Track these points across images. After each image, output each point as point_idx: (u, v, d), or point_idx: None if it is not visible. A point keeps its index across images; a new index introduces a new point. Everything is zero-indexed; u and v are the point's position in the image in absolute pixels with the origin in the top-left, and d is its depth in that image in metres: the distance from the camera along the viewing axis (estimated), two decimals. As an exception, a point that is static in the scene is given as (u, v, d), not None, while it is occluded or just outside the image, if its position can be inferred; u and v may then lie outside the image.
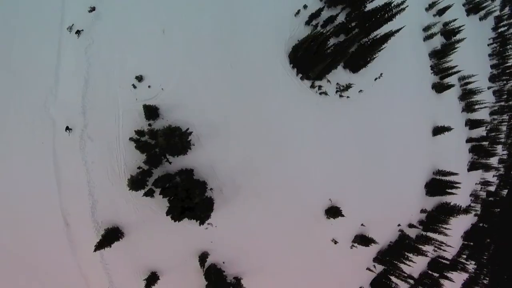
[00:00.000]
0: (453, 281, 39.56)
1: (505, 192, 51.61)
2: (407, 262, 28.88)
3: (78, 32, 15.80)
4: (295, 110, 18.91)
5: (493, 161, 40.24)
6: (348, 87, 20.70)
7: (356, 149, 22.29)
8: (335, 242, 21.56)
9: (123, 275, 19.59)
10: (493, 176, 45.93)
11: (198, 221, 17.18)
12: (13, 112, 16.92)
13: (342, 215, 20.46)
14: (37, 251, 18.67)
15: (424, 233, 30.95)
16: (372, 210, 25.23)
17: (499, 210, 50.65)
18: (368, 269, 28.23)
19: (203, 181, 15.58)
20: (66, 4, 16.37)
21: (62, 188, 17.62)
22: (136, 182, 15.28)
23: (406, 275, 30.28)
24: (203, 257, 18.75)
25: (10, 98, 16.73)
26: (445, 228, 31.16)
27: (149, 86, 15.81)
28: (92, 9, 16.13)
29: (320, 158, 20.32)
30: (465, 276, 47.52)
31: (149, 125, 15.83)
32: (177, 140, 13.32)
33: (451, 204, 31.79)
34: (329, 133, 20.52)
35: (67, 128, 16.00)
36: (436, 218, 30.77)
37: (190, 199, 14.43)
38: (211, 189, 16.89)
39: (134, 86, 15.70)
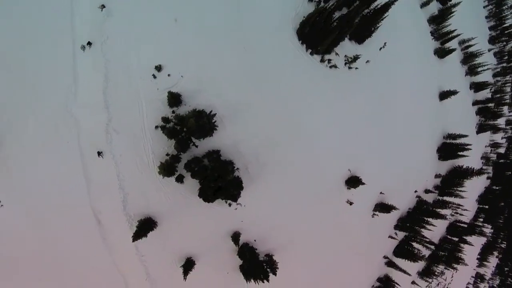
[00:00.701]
0: (472, 245, 42.69)
1: (514, 154, 54.63)
2: (427, 227, 31.21)
3: (89, 43, 16.90)
4: (308, 84, 20.54)
5: (501, 121, 42.74)
6: (355, 58, 22.30)
7: (368, 118, 24.01)
8: (350, 203, 23.21)
9: (160, 265, 21.28)
10: (502, 138, 48.67)
11: (229, 202, 18.96)
12: (35, 116, 18.10)
13: (363, 183, 22.38)
14: (72, 253, 20.12)
15: (440, 197, 33.34)
16: (389, 179, 27.13)
17: (510, 173, 53.73)
18: (390, 237, 30.47)
19: (230, 161, 17.12)
20: (75, 4, 17.64)
21: (91, 187, 18.99)
22: (167, 168, 16.76)
23: (427, 240, 32.70)
24: (235, 237, 20.52)
25: (30, 102, 17.91)
26: (460, 191, 33.53)
27: (168, 75, 17.22)
28: (102, 6, 17.29)
29: (335, 130, 22.06)
30: (483, 240, 50.99)
31: (173, 112, 17.25)
32: (205, 120, 14.76)
33: (464, 167, 34.13)
34: (342, 104, 22.23)
35: (99, 153, 17.38)
36: (450, 182, 32.97)
37: (222, 178, 15.97)
38: (237, 168, 18.47)
39: (154, 76, 17.09)
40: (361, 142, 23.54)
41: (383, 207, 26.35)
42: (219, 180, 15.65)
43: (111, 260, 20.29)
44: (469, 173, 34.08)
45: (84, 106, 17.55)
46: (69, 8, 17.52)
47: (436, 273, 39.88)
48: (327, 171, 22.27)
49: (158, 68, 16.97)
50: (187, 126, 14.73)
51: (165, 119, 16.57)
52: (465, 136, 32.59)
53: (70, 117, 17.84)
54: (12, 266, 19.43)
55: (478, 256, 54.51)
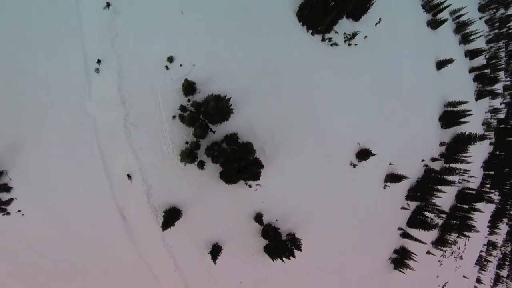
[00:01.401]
0: (482, 211, 45.89)
1: (514, 120, 58.29)
2: (437, 194, 33.82)
3: (98, 61, 18.12)
4: (313, 63, 22.35)
5: (498, 87, 45.74)
6: (354, 35, 24.18)
7: (371, 92, 26.11)
8: (354, 166, 24.89)
9: (187, 254, 22.83)
10: (501, 104, 51.97)
11: (249, 183, 20.79)
12: (51, 119, 19.16)
13: (373, 154, 24.50)
14: (99, 252, 21.46)
15: (447, 165, 35.97)
16: (396, 150, 29.40)
17: (512, 139, 57.29)
18: (403, 208, 32.95)
19: (249, 142, 18.74)
20: (80, 6, 18.72)
21: (113, 183, 20.29)
22: (189, 155, 18.28)
23: (438, 208, 35.34)
24: (258, 218, 22.30)
25: (44, 106, 18.96)
26: (465, 157, 36.26)
27: (180, 65, 18.64)
28: (108, 4, 18.46)
29: (342, 105, 24.07)
30: (492, 207, 54.52)
31: (188, 101, 18.74)
32: (224, 103, 16.28)
33: (466, 133, 36.79)
34: (346, 80, 24.21)
35: (128, 176, 18.84)
36: (455, 149, 35.62)
37: (244, 158, 17.59)
38: (254, 150, 20.13)
39: (167, 68, 18.50)
40: (366, 115, 25.67)
41: (393, 178, 28.64)
42: (242, 160, 17.33)
43: (139, 255, 21.78)
44: (472, 138, 36.81)
45: (100, 104, 18.87)
46: (75, 10, 18.88)
47: (449, 241, 42.86)
48: (337, 146, 24.31)
49: (170, 59, 18.43)
50: (207, 110, 16.27)
51: (183, 108, 18.03)
52: (465, 102, 35.26)
53: (86, 116, 19.11)
54: (42, 273, 20.84)
55: (489, 224, 58.38)
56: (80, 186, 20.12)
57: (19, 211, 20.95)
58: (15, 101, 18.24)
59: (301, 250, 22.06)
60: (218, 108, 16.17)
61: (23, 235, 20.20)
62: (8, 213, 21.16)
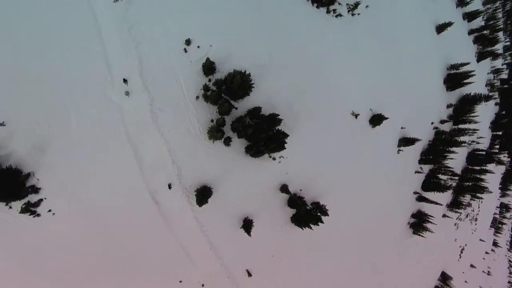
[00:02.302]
0: (493, 172, 49.50)
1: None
2: (449, 156, 36.84)
3: (125, 80, 20.04)
4: (320, 35, 24.68)
5: (498, 47, 48.79)
6: (356, 5, 26.40)
7: (377, 59, 28.68)
8: (356, 116, 26.61)
9: (220, 231, 25.10)
10: (502, 64, 55.27)
11: (273, 156, 23.23)
12: (75, 113, 20.91)
13: (386, 118, 27.20)
14: (135, 239, 23.54)
15: (455, 126, 39.02)
16: (405, 114, 32.21)
17: (516, 100, 60.94)
18: (417, 171, 35.92)
19: (273, 113, 20.92)
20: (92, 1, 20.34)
21: (144, 169, 22.36)
22: (216, 132, 20.38)
23: (451, 170, 38.44)
24: (284, 188, 24.73)
25: (67, 101, 20.78)
26: (473, 117, 39.35)
27: (198, 47, 20.71)
28: (119, -5, 20.10)
29: (351, 72, 26.62)
30: (502, 169, 58.43)
31: (209, 80, 20.74)
32: (246, 78, 18.31)
33: (472, 94, 39.78)
34: (352, 48, 26.70)
35: (169, 185, 21.09)
36: (462, 110, 38.64)
37: (270, 129, 19.78)
38: (280, 119, 22.29)
39: (185, 50, 20.50)
40: (375, 82, 28.32)
41: (406, 141, 31.44)
42: (268, 130, 19.48)
43: (175, 238, 24.00)
44: (478, 99, 39.91)
45: (124, 92, 20.78)
46: (87, 5, 20.48)
47: (463, 204, 46.47)
48: (351, 114, 27.00)
49: (187, 42, 20.44)
50: (230, 86, 18.31)
51: (206, 87, 20.09)
52: (467, 63, 38.09)
53: (112, 106, 21.02)
54: (81, 272, 22.78)
55: (500, 186, 62.58)
56: (111, 177, 22.02)
57: (49, 210, 22.74)
58: (37, 101, 19.93)
59: (328, 215, 24.67)
60: (242, 82, 18.23)
61: (56, 235, 21.97)
62: (38, 215, 22.86)
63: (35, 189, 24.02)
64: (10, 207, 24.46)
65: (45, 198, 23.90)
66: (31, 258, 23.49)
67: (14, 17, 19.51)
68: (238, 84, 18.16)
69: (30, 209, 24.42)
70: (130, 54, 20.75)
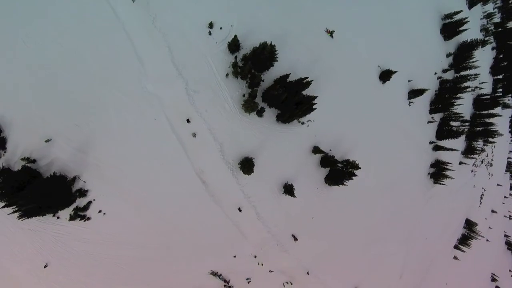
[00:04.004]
0: (501, 115, 56.90)
1: (510, 23, 69.68)
2: (456, 102, 43.09)
3: (188, 121, 24.53)
4: (327, 3, 29.78)
5: (487, -10, 55.56)
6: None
7: (379, 18, 34.02)
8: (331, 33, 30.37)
9: (265, 200, 30.04)
10: (493, 8, 62.37)
11: (301, 121, 28.26)
12: (114, 108, 24.89)
13: (394, 72, 32.91)
14: (191, 222, 27.86)
15: (457, 74, 45.32)
16: (410, 68, 38.19)
17: (512, 42, 68.76)
18: (429, 121, 41.98)
19: (301, 77, 25.52)
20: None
21: (188, 150, 26.63)
22: (250, 104, 24.91)
23: (461, 116, 44.82)
24: (316, 149, 29.75)
25: (105, 98, 24.61)
26: (473, 62, 45.75)
27: (220, 28, 25.27)
28: (139, -9, 23.77)
29: (359, 34, 32.26)
30: (509, 112, 66.36)
31: (235, 57, 25.03)
32: (274, 48, 22.76)
33: (468, 40, 46.07)
34: (358, 10, 32.17)
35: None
36: (461, 57, 44.93)
37: (300, 93, 24.43)
38: (309, 82, 26.99)
39: (210, 33, 24.95)
40: (380, 40, 34.08)
41: (416, 93, 37.35)
42: (299, 94, 24.08)
43: (224, 214, 28.58)
44: (475, 44, 46.31)
45: (159, 80, 24.73)
46: (108, 5, 24.03)
47: (477, 149, 53.62)
48: (362, 72, 32.69)
49: (210, 25, 24.82)
50: (259, 58, 22.68)
51: (234, 64, 24.40)
52: (460, 11, 44.16)
53: (149, 95, 25.01)
54: (147, 260, 27.01)
55: (509, 130, 70.88)
56: (157, 165, 26.29)
57: (100, 211, 26.61)
58: (73, 104, 23.75)
59: (360, 168, 29.88)
60: (270, 53, 22.63)
61: (110, 234, 26.13)
62: (88, 218, 26.68)
63: (82, 192, 27.69)
64: (58, 217, 28.13)
65: (93, 200, 27.70)
66: (92, 263, 27.04)
67: (45, 29, 23.02)
68: (268, 55, 22.60)
69: (79, 214, 28.05)
70: (159, 45, 24.96)
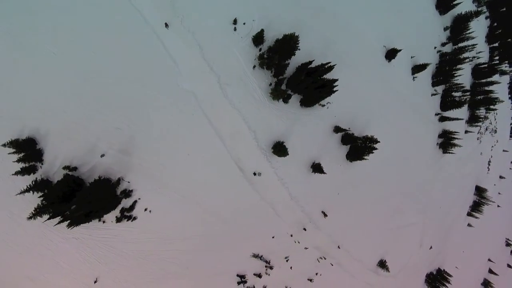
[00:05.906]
0: (499, 82, 66.27)
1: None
2: (457, 73, 51.18)
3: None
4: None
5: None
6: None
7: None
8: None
9: (296, 180, 36.84)
10: (483, -22, 71.59)
11: (321, 103, 34.73)
12: (153, 108, 30.05)
13: (399, 50, 40.01)
14: (232, 209, 34.09)
15: (455, 46, 53.45)
16: (411, 44, 45.72)
17: (504, 9, 78.74)
18: (433, 94, 49.85)
19: (322, 63, 31.63)
20: (137, 4, 28.66)
21: (225, 141, 32.41)
22: (278, 92, 30.77)
23: (462, 87, 53.08)
24: (337, 128, 36.25)
25: (143, 99, 29.62)
26: (469, 33, 54.02)
27: (244, 23, 31.21)
28: (166, -7, 28.77)
29: (364, 17, 39.23)
30: (507, 79, 76.40)
31: (260, 50, 30.71)
32: (298, 38, 28.66)
33: (463, 13, 54.24)
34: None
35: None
36: (458, 29, 53.10)
37: (323, 78, 30.58)
38: (332, 66, 33.28)
39: (235, 29, 30.50)
40: (380, 21, 41.48)
41: (419, 68, 44.96)
42: (321, 78, 30.23)
43: (261, 198, 34.76)
44: (469, 15, 54.59)
45: (193, 77, 29.97)
46: (134, 9, 28.77)
47: (480, 117, 62.66)
48: (370, 54, 39.88)
49: (235, 21, 30.41)
50: (285, 47, 28.47)
51: (261, 56, 30.10)
52: (452, -14, 52.11)
53: (185, 93, 30.19)
54: (194, 251, 32.62)
55: (509, 96, 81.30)
56: (198, 158, 32.09)
57: (145, 209, 31.78)
58: (112, 108, 28.86)
59: (379, 142, 36.75)
60: (294, 43, 28.52)
61: (157, 231, 31.78)
62: (135, 218, 31.83)
63: (127, 193, 32.66)
64: (104, 221, 32.53)
65: (139, 199, 32.96)
66: (140, 262, 32.64)
67: (76, 40, 27.66)
68: (293, 45, 28.45)
69: (126, 214, 32.80)
70: (190, 44, 30.45)
